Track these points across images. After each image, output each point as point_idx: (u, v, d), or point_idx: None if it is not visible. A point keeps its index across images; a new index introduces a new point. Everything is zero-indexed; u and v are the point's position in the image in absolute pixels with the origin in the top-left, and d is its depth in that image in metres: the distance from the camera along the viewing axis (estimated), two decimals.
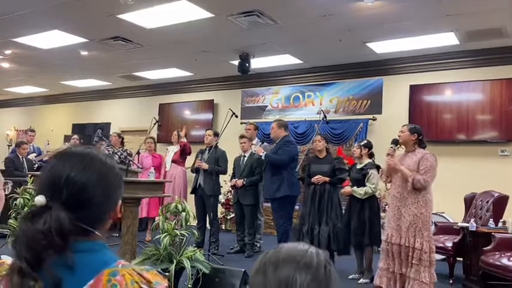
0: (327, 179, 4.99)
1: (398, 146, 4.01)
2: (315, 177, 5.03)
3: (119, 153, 6.16)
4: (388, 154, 3.96)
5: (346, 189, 4.87)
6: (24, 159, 7.02)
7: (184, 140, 6.69)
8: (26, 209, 4.25)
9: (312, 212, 5.01)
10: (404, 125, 4.08)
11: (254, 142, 6.17)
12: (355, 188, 4.76)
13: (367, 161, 4.86)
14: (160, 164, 6.88)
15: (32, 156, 7.32)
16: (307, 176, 5.21)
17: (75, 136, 7.90)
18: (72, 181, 0.91)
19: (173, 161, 6.64)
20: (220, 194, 6.18)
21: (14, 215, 4.67)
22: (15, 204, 4.69)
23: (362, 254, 4.78)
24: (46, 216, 0.85)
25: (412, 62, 6.82)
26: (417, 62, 6.78)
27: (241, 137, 6.05)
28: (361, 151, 4.88)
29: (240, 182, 5.79)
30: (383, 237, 4.07)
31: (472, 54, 6.36)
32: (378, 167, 4.75)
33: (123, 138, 7.01)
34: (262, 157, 5.52)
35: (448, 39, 5.93)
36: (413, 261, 3.74)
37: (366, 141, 5.01)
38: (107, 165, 0.98)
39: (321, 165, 5.13)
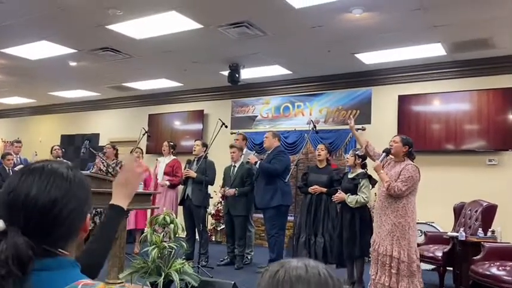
0: (324, 189, 4.96)
1: (389, 155, 4.04)
2: (312, 188, 5.00)
3: (113, 165, 6.10)
4: (350, 121, 4.40)
5: (339, 196, 4.74)
6: (10, 170, 6.91)
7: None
8: None
9: (308, 223, 4.97)
10: (397, 136, 4.11)
11: (244, 152, 6.17)
12: (349, 195, 4.67)
13: (359, 170, 4.78)
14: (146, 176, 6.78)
15: (19, 168, 7.21)
16: (304, 185, 5.18)
17: (56, 146, 7.75)
18: (31, 203, 0.83)
19: (165, 173, 6.54)
20: (208, 205, 6.13)
21: None
22: None
23: (353, 264, 4.73)
24: (2, 245, 0.78)
25: (401, 72, 6.88)
26: (405, 72, 6.85)
27: (231, 146, 6.04)
28: (355, 160, 4.77)
29: (232, 191, 5.76)
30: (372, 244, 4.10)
31: (460, 65, 6.43)
32: (369, 177, 4.71)
33: (117, 150, 6.87)
34: (256, 166, 5.52)
35: (435, 50, 6.00)
36: (392, 270, 3.77)
37: (360, 151, 4.86)
38: (70, 180, 0.90)
39: (320, 175, 5.08)
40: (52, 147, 7.76)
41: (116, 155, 6.78)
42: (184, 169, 6.03)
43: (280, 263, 0.79)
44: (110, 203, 1.37)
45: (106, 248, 1.35)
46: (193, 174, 5.76)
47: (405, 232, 3.79)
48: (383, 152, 4.04)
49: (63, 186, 0.88)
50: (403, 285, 3.73)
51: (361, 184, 4.66)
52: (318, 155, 5.17)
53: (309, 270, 0.76)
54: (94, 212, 5.65)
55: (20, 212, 0.83)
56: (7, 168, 6.90)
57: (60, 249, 0.86)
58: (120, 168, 5.93)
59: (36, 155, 8.58)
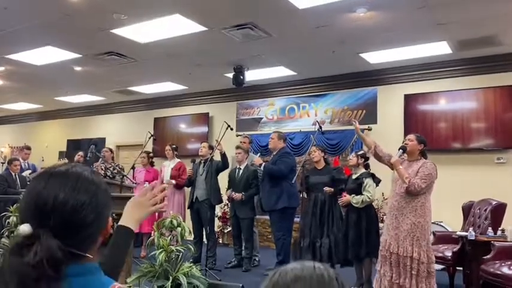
0: (332, 189, 4.94)
1: (405, 153, 4.00)
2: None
3: (111, 168, 6.11)
4: (354, 122, 4.26)
5: (345, 198, 4.80)
6: (17, 176, 6.93)
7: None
8: (16, 228, 4.15)
9: (314, 225, 4.95)
10: (411, 134, 4.08)
11: (248, 155, 6.15)
12: (353, 196, 4.69)
13: (362, 170, 4.81)
14: (154, 179, 6.76)
15: (26, 173, 7.25)
16: (305, 189, 5.17)
17: (80, 153, 7.75)
18: (60, 205, 0.84)
19: (172, 177, 6.48)
20: (222, 202, 6.25)
21: (6, 233, 4.59)
22: (8, 222, 4.61)
23: (361, 265, 4.71)
24: (35, 247, 0.79)
25: (406, 71, 6.84)
26: (411, 71, 6.81)
27: (237, 147, 6.03)
28: (358, 160, 4.82)
29: (238, 196, 5.73)
30: (381, 244, 4.04)
31: (465, 63, 6.39)
32: (373, 176, 4.72)
33: (113, 153, 6.96)
34: (261, 168, 5.49)
35: (441, 48, 5.96)
36: (412, 272, 3.72)
37: (363, 152, 4.99)
38: (95, 184, 0.92)
39: (320, 176, 5.09)
40: (59, 152, 7.79)
41: (113, 158, 6.88)
42: (190, 169, 6.03)
43: (278, 269, 0.80)
44: (119, 224, 1.35)
45: (116, 270, 1.34)
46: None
47: (424, 232, 3.74)
48: (399, 149, 3.99)
49: (90, 190, 0.90)
50: (422, 286, 3.67)
51: (365, 183, 4.66)
52: (313, 157, 5.20)
53: (304, 268, 0.77)
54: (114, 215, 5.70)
55: (50, 215, 0.84)
56: (13, 174, 6.93)
57: (87, 253, 0.88)
58: (117, 171, 5.96)
59: (43, 160, 8.62)
